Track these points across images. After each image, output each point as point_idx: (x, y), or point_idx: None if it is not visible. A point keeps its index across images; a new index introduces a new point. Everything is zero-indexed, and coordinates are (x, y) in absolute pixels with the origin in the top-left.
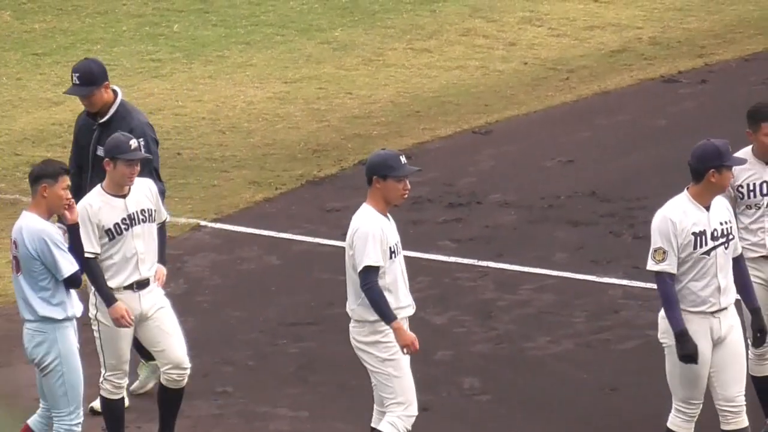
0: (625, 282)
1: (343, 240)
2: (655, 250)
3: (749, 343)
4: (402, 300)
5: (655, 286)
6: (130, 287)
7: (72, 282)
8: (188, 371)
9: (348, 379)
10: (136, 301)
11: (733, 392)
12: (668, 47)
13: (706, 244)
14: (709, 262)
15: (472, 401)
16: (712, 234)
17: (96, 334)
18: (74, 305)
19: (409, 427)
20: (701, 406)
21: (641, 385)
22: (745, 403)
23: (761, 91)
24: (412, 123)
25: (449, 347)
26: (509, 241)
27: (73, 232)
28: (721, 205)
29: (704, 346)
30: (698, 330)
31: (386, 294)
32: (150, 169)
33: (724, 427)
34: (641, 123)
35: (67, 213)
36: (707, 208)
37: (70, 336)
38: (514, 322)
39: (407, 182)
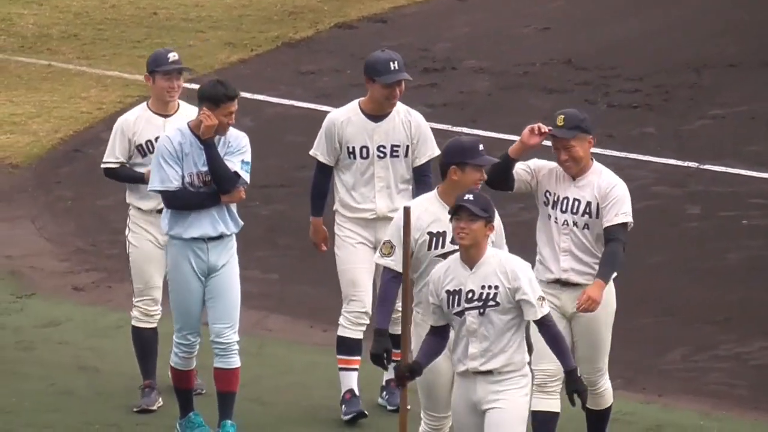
0: (598, 150)
1: (317, 102)
2: (384, 243)
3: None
4: (360, 203)
5: (637, 156)
6: (161, 211)
7: (164, 199)
8: None
9: None
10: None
11: None
12: None
13: (442, 247)
14: None
15: None
16: (453, 238)
17: (130, 257)
18: (188, 225)
19: (359, 321)
20: (442, 425)
21: None
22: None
23: None
24: None
25: None
26: (483, 108)
27: (207, 148)
28: None
29: (440, 360)
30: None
31: (342, 191)
32: None
33: None
34: None
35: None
36: None
37: (176, 255)
38: None
39: (395, 88)
